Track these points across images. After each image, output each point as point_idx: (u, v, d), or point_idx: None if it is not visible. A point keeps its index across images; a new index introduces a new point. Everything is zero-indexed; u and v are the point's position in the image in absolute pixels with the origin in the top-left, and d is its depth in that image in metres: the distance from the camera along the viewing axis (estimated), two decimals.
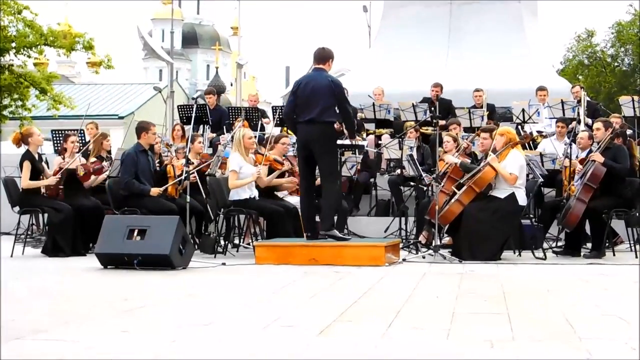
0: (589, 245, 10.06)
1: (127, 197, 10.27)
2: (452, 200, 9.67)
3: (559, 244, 10.64)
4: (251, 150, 10.50)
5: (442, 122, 11.88)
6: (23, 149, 10.47)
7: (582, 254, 9.83)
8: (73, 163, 10.51)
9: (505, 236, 9.59)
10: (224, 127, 15.19)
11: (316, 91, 9.05)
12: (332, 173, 9.18)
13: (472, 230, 9.46)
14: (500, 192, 9.63)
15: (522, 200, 9.64)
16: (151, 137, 10.58)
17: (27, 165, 10.24)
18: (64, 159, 10.77)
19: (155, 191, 10.34)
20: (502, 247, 9.56)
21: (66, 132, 12.43)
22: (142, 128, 10.57)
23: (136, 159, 10.29)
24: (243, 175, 10.17)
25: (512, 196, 9.56)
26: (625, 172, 9.85)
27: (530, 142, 13.08)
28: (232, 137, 11.59)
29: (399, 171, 12.47)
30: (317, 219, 9.35)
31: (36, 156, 10.38)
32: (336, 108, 9.14)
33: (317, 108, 9.01)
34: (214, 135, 15.17)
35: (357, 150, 11.74)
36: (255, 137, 10.89)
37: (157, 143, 11.14)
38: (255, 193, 10.33)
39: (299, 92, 9.25)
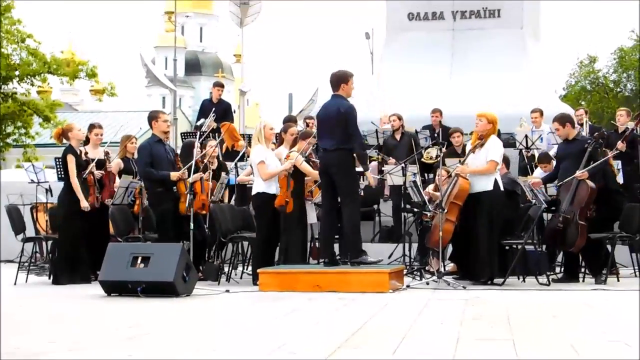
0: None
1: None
2: (441, 222, 9.59)
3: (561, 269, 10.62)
4: (270, 142, 10.22)
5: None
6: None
7: (580, 279, 9.81)
8: (96, 154, 10.52)
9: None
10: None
11: (328, 121, 9.24)
12: (351, 195, 9.26)
13: (478, 249, 9.45)
14: (481, 187, 9.57)
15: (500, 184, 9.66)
16: (162, 125, 10.29)
17: (70, 158, 10.09)
18: (81, 154, 10.38)
19: (175, 175, 10.01)
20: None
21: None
22: (152, 117, 10.34)
23: (150, 150, 10.10)
24: (270, 166, 9.85)
25: (496, 184, 9.54)
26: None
27: (532, 166, 13.05)
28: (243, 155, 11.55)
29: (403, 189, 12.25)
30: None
31: (78, 152, 10.23)
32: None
33: (331, 137, 9.17)
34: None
35: (362, 177, 11.70)
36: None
37: (169, 128, 10.61)
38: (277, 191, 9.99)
39: (319, 119, 9.53)
